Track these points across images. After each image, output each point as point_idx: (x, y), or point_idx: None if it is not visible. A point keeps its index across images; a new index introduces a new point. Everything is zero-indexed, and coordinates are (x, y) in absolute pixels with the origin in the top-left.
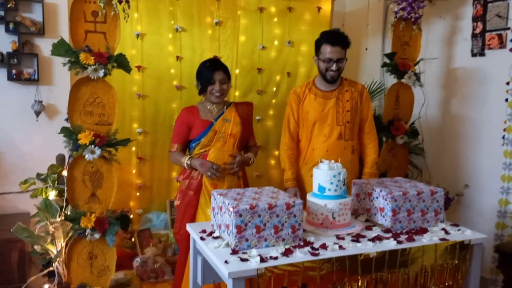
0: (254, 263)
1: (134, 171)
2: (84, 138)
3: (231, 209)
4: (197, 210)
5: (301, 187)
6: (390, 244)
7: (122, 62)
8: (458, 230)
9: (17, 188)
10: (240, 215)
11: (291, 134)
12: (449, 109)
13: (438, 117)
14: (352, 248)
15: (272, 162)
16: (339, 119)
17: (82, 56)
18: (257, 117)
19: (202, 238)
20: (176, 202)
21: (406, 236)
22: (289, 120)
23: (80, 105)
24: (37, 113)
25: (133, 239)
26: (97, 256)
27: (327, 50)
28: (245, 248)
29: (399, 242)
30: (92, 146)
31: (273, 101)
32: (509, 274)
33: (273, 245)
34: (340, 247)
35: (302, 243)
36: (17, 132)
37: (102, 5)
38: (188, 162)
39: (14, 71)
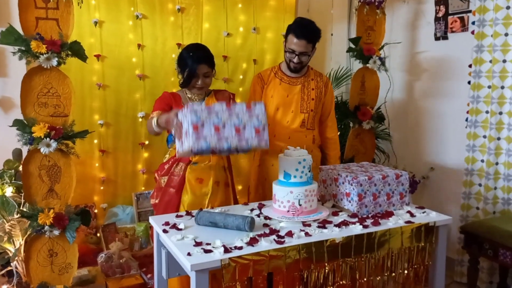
0: (217, 254)
1: (96, 165)
2: (38, 130)
3: (186, 109)
4: (179, 209)
5: (264, 177)
6: (356, 229)
7: (77, 50)
8: (423, 212)
9: None
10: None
11: None
12: (414, 93)
13: (404, 101)
14: (318, 235)
15: None
16: (303, 106)
17: (33, 44)
18: None
19: (165, 231)
20: (153, 201)
21: (372, 220)
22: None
23: (33, 96)
24: None
25: (98, 234)
26: (57, 253)
27: (292, 41)
28: (203, 148)
29: (365, 227)
30: (48, 139)
31: (240, 89)
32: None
33: (235, 146)
34: (306, 234)
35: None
36: None
37: None
38: (155, 123)
39: None
